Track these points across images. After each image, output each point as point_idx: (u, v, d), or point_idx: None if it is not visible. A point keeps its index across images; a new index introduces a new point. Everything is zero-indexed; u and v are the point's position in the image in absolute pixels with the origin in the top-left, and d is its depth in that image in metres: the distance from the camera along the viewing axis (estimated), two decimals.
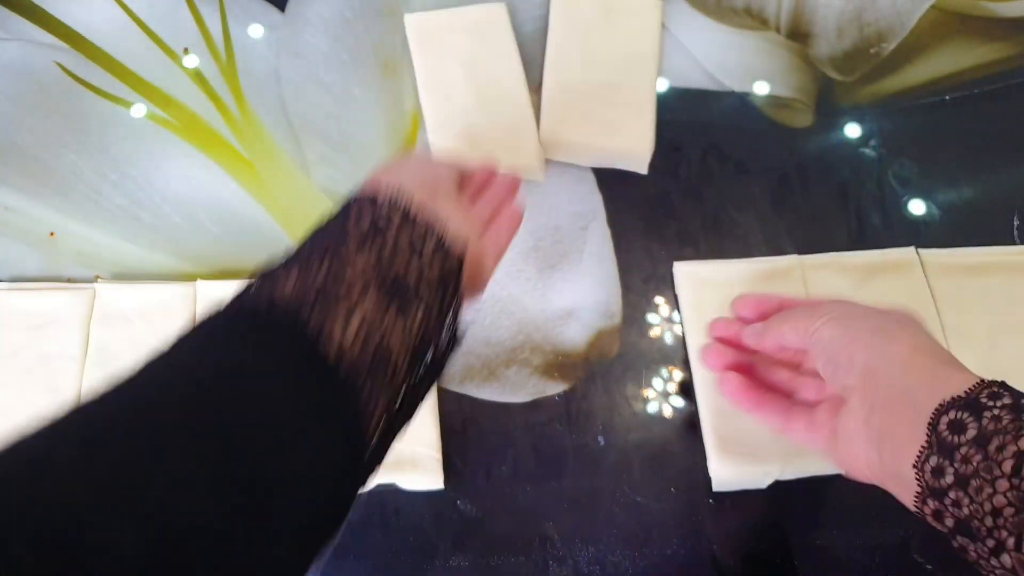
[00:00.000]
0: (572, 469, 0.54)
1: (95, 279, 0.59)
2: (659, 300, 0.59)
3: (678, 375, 0.57)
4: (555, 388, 0.56)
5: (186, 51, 0.66)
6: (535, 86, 0.64)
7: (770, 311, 0.48)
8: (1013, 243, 0.60)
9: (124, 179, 0.62)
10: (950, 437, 0.34)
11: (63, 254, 0.60)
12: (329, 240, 0.36)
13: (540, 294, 0.58)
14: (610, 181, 0.62)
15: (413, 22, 0.65)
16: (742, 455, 0.52)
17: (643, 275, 0.59)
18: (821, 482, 0.54)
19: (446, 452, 0.54)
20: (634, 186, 0.62)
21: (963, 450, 0.34)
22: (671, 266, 0.59)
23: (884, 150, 0.63)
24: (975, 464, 0.33)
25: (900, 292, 0.57)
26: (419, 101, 0.63)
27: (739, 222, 0.61)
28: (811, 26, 0.65)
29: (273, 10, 0.67)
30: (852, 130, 0.64)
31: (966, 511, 0.34)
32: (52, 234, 0.60)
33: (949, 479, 0.34)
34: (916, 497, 0.36)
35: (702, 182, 0.62)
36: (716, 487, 0.53)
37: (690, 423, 0.55)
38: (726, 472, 0.52)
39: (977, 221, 0.61)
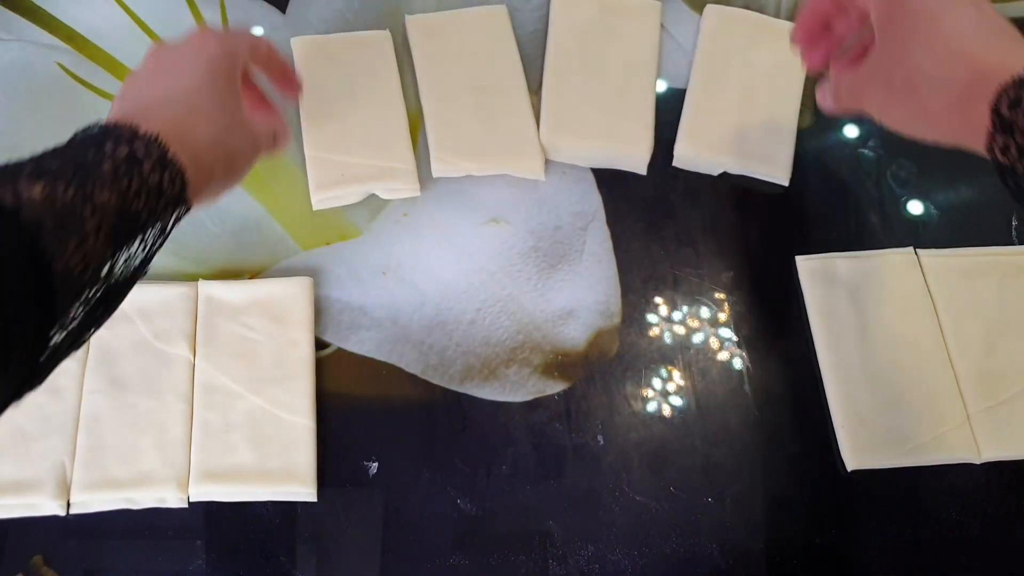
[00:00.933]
0: (572, 468, 0.54)
1: None
2: (658, 300, 0.59)
3: (677, 375, 0.57)
4: (555, 388, 0.56)
5: None
6: (535, 87, 0.64)
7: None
8: (1011, 243, 0.60)
9: None
10: (1009, 114, 0.35)
11: None
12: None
13: (540, 294, 0.59)
14: (610, 181, 0.62)
15: (414, 23, 0.65)
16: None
17: (643, 275, 0.60)
18: (821, 482, 0.54)
19: (446, 451, 0.54)
20: (634, 186, 0.62)
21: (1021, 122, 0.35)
22: (670, 266, 0.60)
23: (883, 150, 0.64)
24: None
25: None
26: (419, 101, 0.63)
27: (738, 222, 0.61)
28: None
29: (274, 11, 0.67)
30: (851, 130, 0.65)
31: None
32: None
33: (1013, 155, 0.35)
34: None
35: (701, 183, 0.62)
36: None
37: (690, 423, 0.55)
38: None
39: (975, 221, 0.61)
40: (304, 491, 0.52)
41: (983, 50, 0.37)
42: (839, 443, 0.54)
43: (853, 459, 0.53)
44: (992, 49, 0.37)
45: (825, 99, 0.46)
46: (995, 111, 0.36)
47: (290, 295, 0.57)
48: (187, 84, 0.42)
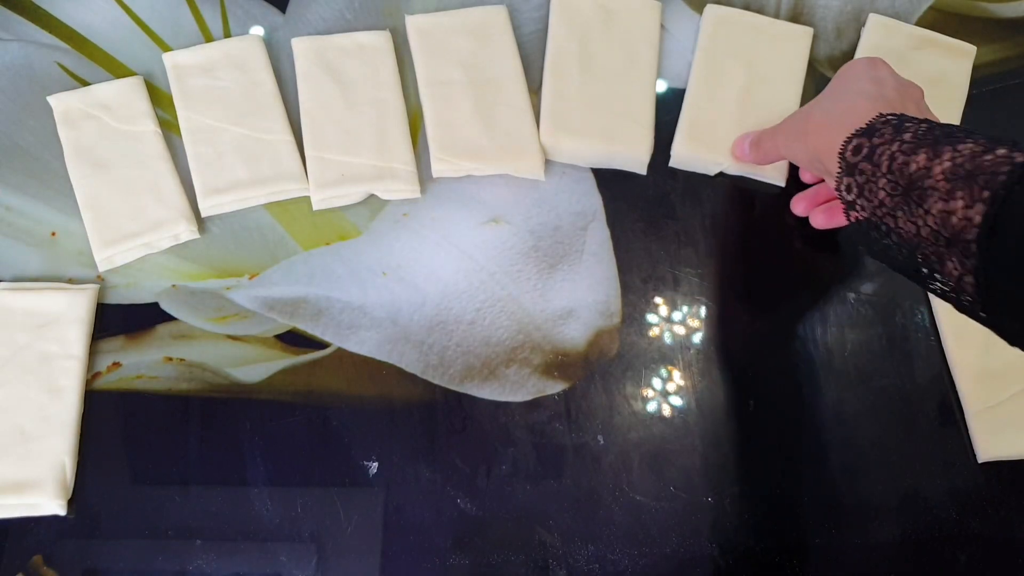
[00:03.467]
0: (572, 468, 0.54)
1: (96, 279, 0.59)
2: (658, 300, 0.59)
3: (677, 375, 0.57)
4: (555, 387, 0.56)
5: None
6: (535, 87, 0.64)
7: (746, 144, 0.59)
8: None
9: None
10: (852, 159, 0.44)
11: (64, 254, 0.60)
12: None
13: (540, 294, 0.59)
14: (610, 181, 0.62)
15: (414, 23, 0.65)
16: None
17: (643, 275, 0.60)
18: (821, 483, 0.54)
19: (446, 451, 0.54)
20: (634, 186, 0.62)
21: (860, 166, 0.44)
22: (670, 266, 0.60)
23: None
24: (867, 173, 0.43)
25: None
26: (419, 102, 0.63)
27: (738, 222, 0.61)
28: (810, 26, 0.65)
29: (274, 11, 0.67)
30: None
31: (866, 213, 0.44)
32: (53, 234, 0.60)
33: (855, 192, 0.44)
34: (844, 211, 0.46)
35: (701, 183, 0.62)
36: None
37: (690, 423, 0.55)
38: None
39: None
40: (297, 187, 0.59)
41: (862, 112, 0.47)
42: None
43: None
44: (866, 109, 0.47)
45: (743, 151, 0.59)
46: (841, 156, 0.45)
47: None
48: None
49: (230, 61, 0.63)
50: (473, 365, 0.57)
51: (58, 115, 0.61)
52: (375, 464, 0.54)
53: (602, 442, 0.55)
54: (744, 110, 0.62)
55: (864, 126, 0.45)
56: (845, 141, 0.45)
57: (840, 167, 0.45)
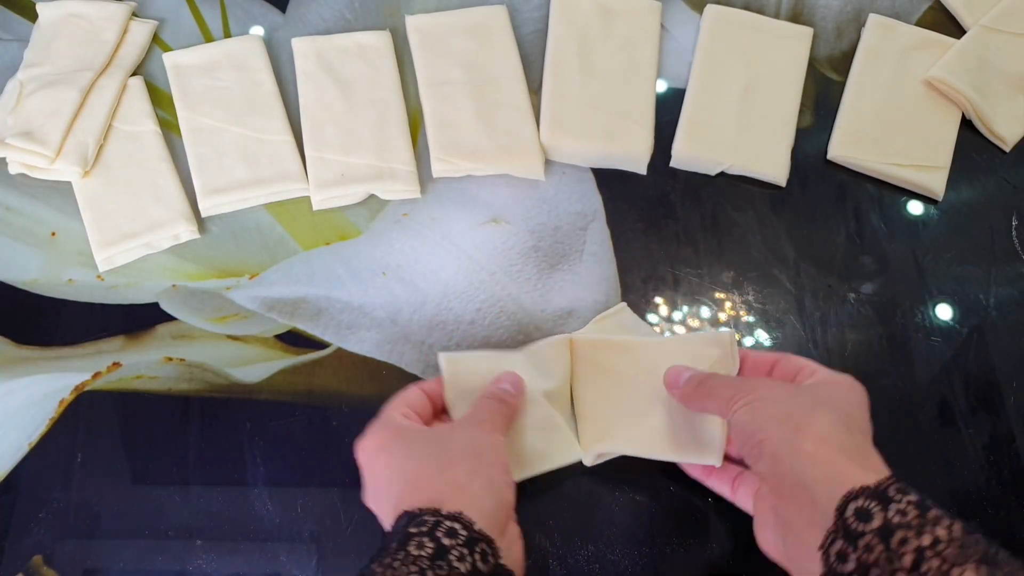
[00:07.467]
0: (572, 468, 0.54)
1: (97, 279, 0.59)
2: (658, 300, 0.59)
3: None
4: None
5: None
6: (535, 87, 0.64)
7: (691, 386, 0.47)
8: (1011, 243, 0.60)
9: None
10: (856, 524, 0.35)
11: (64, 254, 0.60)
12: None
13: (540, 294, 0.59)
14: (610, 181, 0.62)
15: (414, 23, 0.65)
16: None
17: (643, 275, 0.60)
18: None
19: None
20: (634, 186, 0.62)
21: (867, 538, 0.34)
22: (670, 266, 0.60)
23: None
24: (877, 553, 0.34)
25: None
26: (419, 102, 0.63)
27: (738, 222, 0.61)
28: (810, 26, 0.65)
29: (274, 11, 0.67)
30: None
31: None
32: (53, 234, 0.60)
33: (851, 565, 0.35)
34: None
35: (701, 182, 0.62)
36: None
37: None
38: None
39: (975, 221, 0.61)
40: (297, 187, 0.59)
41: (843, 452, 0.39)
42: None
43: None
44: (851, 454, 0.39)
45: (676, 382, 0.48)
46: (840, 515, 0.36)
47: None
48: (403, 475, 0.43)
49: (230, 61, 0.64)
50: None
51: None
52: None
53: None
54: (744, 110, 0.62)
55: (871, 485, 0.37)
56: (846, 496, 0.37)
57: (835, 525, 0.36)
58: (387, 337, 0.57)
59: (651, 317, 0.58)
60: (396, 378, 0.56)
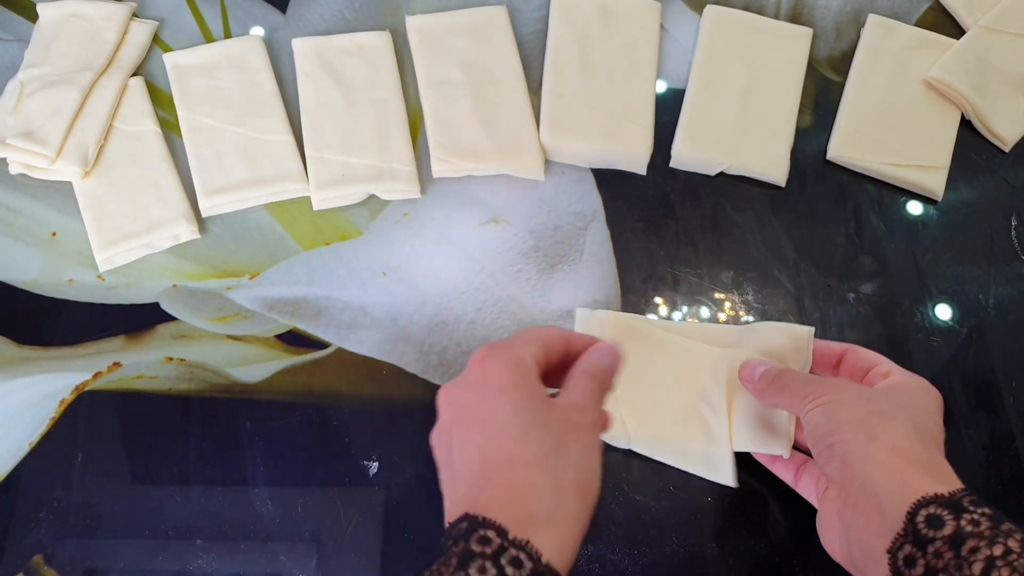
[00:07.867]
0: None
1: (97, 279, 0.59)
2: (658, 300, 0.59)
3: None
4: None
5: None
6: (535, 87, 0.64)
7: (765, 381, 0.47)
8: (1011, 243, 0.60)
9: None
10: (926, 531, 0.35)
11: (64, 254, 0.60)
12: None
13: (540, 294, 0.59)
14: (610, 181, 0.62)
15: (414, 23, 0.65)
16: None
17: (643, 275, 0.60)
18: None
19: None
20: (634, 186, 0.62)
21: (936, 544, 0.34)
22: (670, 266, 0.60)
23: None
24: (946, 560, 0.34)
25: None
26: (419, 102, 0.63)
27: (737, 222, 0.61)
28: (809, 26, 0.65)
29: (274, 11, 0.67)
30: None
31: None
32: (53, 234, 0.60)
33: (919, 570, 0.34)
34: None
35: (700, 182, 0.62)
36: None
37: None
38: None
39: (975, 221, 0.61)
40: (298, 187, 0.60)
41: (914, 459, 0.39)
42: None
43: None
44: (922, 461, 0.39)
45: (752, 376, 0.48)
46: (911, 520, 0.36)
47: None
48: (497, 437, 0.37)
49: (230, 61, 0.64)
50: None
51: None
52: (375, 464, 0.54)
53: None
54: (744, 110, 0.62)
55: (945, 494, 0.37)
56: (917, 502, 0.36)
57: (904, 529, 0.36)
58: (387, 337, 0.57)
59: (651, 317, 0.58)
60: (396, 378, 0.56)
